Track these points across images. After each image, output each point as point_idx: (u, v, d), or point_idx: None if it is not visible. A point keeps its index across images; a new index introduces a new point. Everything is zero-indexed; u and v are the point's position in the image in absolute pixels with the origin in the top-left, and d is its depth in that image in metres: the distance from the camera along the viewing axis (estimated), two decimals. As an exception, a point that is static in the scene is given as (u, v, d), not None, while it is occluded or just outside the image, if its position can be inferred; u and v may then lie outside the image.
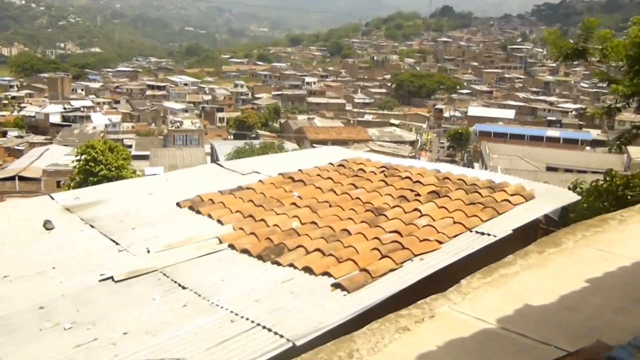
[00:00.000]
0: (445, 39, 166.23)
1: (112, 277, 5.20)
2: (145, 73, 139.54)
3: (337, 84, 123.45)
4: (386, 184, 7.47)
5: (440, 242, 5.56)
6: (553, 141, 62.42)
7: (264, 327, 4.22)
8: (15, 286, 5.18)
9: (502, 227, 5.90)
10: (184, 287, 5.00)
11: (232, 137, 78.46)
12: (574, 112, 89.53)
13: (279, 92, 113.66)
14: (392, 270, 5.07)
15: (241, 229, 6.17)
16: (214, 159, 49.77)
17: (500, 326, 3.66)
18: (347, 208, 6.65)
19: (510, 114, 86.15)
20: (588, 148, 64.73)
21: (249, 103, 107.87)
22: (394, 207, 6.58)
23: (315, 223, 6.18)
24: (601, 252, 5.13)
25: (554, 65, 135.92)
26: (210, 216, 6.70)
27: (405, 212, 6.42)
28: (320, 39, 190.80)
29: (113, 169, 21.90)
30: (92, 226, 6.60)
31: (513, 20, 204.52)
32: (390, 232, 5.86)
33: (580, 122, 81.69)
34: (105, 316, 4.55)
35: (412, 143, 68.98)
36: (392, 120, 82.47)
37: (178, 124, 78.64)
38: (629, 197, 10.31)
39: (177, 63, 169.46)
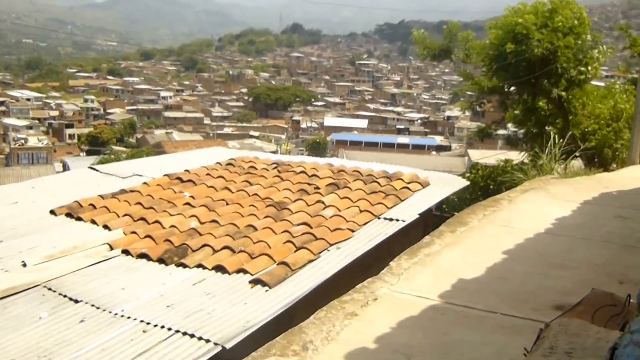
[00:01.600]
0: (297, 54, 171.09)
1: (-19, 298, 4.33)
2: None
3: (194, 98, 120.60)
4: (281, 179, 7.20)
5: (352, 231, 5.41)
6: (403, 147, 66.83)
7: (184, 334, 3.73)
8: None
9: (407, 212, 5.91)
10: (76, 301, 4.30)
11: (84, 153, 73.24)
12: (419, 121, 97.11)
13: (134, 107, 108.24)
14: (310, 261, 4.81)
15: (134, 232, 5.52)
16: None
17: (445, 301, 3.56)
18: (246, 205, 6.27)
19: (363, 123, 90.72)
20: (434, 152, 70.14)
21: (102, 118, 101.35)
22: (296, 200, 6.33)
23: (216, 221, 5.73)
24: (505, 228, 5.33)
25: (398, 79, 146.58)
26: (93, 222, 5.93)
27: (309, 205, 6.20)
28: (173, 53, 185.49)
29: None
30: (-55, 243, 5.52)
31: (358, 37, 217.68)
32: (299, 224, 5.59)
33: (426, 130, 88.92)
34: (-20, 344, 3.74)
35: (273, 153, 69.45)
36: (252, 132, 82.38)
37: (22, 141, 71.74)
38: (491, 187, 11.16)
39: (16, 77, 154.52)
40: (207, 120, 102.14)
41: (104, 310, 4.13)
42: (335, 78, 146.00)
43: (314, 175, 7.23)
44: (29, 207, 6.58)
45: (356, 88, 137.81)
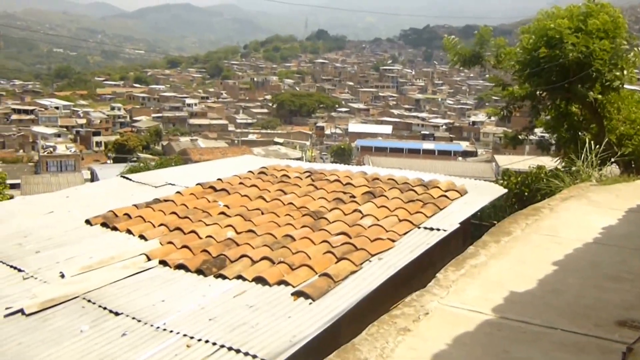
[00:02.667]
0: (321, 61, 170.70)
1: (21, 310, 4.30)
2: (9, 96, 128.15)
3: (219, 105, 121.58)
4: (316, 187, 7.10)
5: (393, 241, 5.27)
6: (428, 153, 66.18)
7: (230, 349, 3.64)
8: None
9: (448, 221, 5.75)
10: (117, 313, 4.25)
11: (111, 161, 74.24)
12: (444, 127, 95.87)
13: (159, 115, 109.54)
14: (352, 272, 4.68)
15: (170, 243, 5.47)
16: (94, 185, 46.49)
17: (499, 315, 3.40)
18: (281, 214, 6.18)
19: (387, 129, 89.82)
20: (460, 158, 69.27)
21: (128, 126, 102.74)
22: (332, 209, 6.21)
23: (253, 231, 5.64)
24: (550, 237, 5.13)
25: (423, 84, 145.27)
26: (129, 232, 5.90)
27: (346, 214, 6.08)
28: (199, 61, 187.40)
29: None
30: (-17, 253, 5.54)
31: (383, 43, 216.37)
32: (338, 234, 5.48)
33: (451, 135, 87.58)
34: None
35: (298, 160, 69.48)
36: (276, 139, 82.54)
37: (51, 149, 72.94)
38: (525, 194, 10.86)
39: (45, 86, 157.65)
40: (231, 127, 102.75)
41: (145, 324, 4.06)
42: (359, 84, 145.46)
43: (348, 183, 7.11)
44: (64, 216, 6.59)
45: (380, 94, 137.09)
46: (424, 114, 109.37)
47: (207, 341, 3.74)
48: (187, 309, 4.24)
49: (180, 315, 4.14)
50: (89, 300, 4.47)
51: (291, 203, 6.48)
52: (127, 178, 8.24)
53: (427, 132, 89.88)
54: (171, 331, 3.92)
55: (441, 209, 6.10)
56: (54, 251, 5.50)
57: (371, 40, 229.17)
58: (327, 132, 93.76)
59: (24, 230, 6.07)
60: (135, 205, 6.61)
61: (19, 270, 5.11)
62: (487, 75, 12.28)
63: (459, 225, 5.64)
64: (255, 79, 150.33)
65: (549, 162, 11.98)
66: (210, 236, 5.55)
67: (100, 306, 4.38)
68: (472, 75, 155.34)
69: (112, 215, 6.31)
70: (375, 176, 7.40)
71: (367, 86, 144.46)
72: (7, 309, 4.34)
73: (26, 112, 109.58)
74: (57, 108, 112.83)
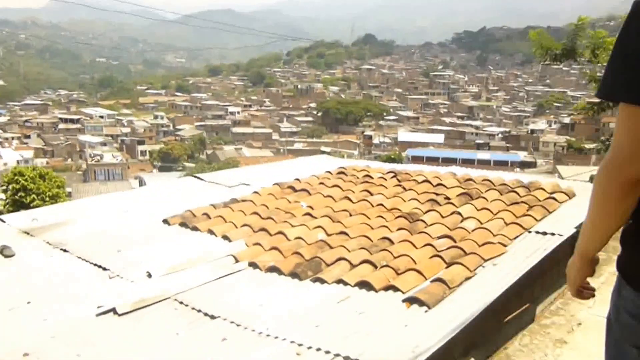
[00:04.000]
0: (368, 67, 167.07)
1: (114, 310, 4.01)
2: (55, 106, 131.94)
3: (262, 113, 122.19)
4: (404, 188, 6.66)
5: (504, 245, 4.79)
6: (484, 163, 63.79)
7: (346, 358, 3.22)
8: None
9: (561, 225, 5.21)
10: (213, 317, 3.90)
11: (156, 170, 75.39)
12: (500, 135, 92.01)
13: (202, 123, 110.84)
14: (467, 278, 4.23)
15: (257, 244, 5.12)
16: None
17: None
18: (372, 216, 5.76)
19: (439, 138, 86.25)
20: (517, 169, 67.22)
21: (171, 135, 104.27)
22: (428, 211, 5.76)
23: (345, 233, 5.24)
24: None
25: (476, 90, 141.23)
26: (211, 232, 5.59)
27: (443, 217, 5.62)
28: (241, 68, 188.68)
29: (47, 198, 19.42)
30: (64, 250, 5.31)
31: (434, 47, 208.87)
32: (440, 237, 5.03)
33: (507, 145, 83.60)
34: (117, 361, 3.39)
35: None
36: (323, 148, 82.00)
37: (98, 157, 74.61)
38: None
39: (89, 95, 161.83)
40: (275, 136, 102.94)
41: (246, 328, 3.70)
42: (408, 91, 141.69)
43: (439, 184, 6.65)
44: (139, 215, 6.35)
45: (430, 101, 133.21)
46: (477, 122, 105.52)
47: (318, 349, 3.35)
48: (288, 314, 3.87)
49: (282, 320, 3.77)
50: (181, 302, 4.15)
51: (381, 204, 6.06)
52: (199, 178, 7.98)
53: (481, 141, 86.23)
54: (276, 337, 3.55)
55: (550, 212, 5.58)
56: (135, 250, 5.24)
57: (421, 44, 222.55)
58: (375, 141, 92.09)
59: (101, 228, 5.85)
60: (212, 205, 6.32)
61: (104, 268, 4.85)
62: (583, 72, 11.41)
63: (575, 230, 5.10)
64: (299, 86, 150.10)
65: None
66: (299, 238, 5.19)
67: (193, 308, 4.05)
68: (530, 80, 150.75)
69: (190, 215, 6.03)
70: (467, 177, 6.92)
71: (417, 93, 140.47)
72: (98, 307, 4.06)
73: (72, 121, 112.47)
74: (101, 117, 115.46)
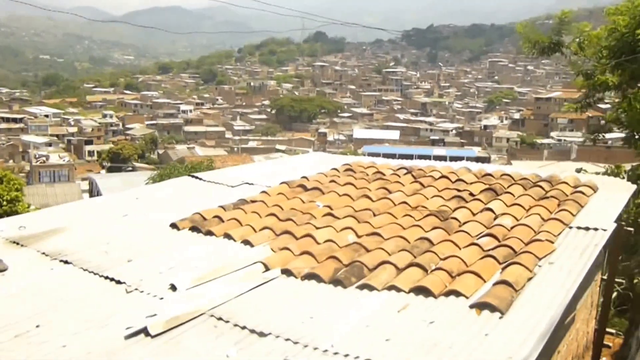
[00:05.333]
0: (321, 64, 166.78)
1: (145, 331, 3.52)
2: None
3: (215, 112, 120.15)
4: (422, 185, 6.37)
5: (551, 242, 4.53)
6: (440, 159, 64.81)
7: (441, 377, 2.88)
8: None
9: (601, 219, 5.02)
10: (262, 334, 3.47)
11: (105, 170, 72.88)
12: (453, 131, 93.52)
13: (153, 122, 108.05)
14: (529, 279, 3.94)
15: (285, 249, 4.69)
16: (95, 194, 45.46)
17: None
18: (398, 215, 5.42)
19: (395, 134, 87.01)
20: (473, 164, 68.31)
21: (121, 134, 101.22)
22: (456, 209, 5.47)
23: (378, 234, 4.88)
24: None
25: (428, 87, 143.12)
26: (229, 236, 5.12)
27: (474, 214, 5.34)
28: (192, 66, 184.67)
29: (4, 202, 18.10)
30: (65, 261, 4.74)
31: (385, 44, 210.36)
32: (482, 235, 4.73)
33: (462, 141, 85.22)
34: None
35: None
36: (278, 146, 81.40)
37: (44, 158, 71.47)
38: None
39: (33, 93, 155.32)
40: (228, 134, 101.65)
41: (306, 346, 3.29)
42: (361, 87, 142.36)
43: (458, 180, 6.39)
44: (142, 220, 5.81)
45: (384, 98, 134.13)
46: (431, 119, 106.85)
47: (403, 368, 2.98)
48: (347, 327, 3.47)
49: (344, 335, 3.38)
50: (220, 318, 3.69)
51: (404, 202, 5.72)
52: (197, 177, 7.45)
53: (436, 137, 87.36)
54: (347, 355, 3.15)
55: (582, 207, 5.37)
56: (148, 259, 4.72)
57: (372, 41, 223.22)
58: (330, 138, 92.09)
59: (102, 236, 5.27)
60: (222, 206, 5.84)
61: (117, 281, 4.32)
62: (570, 64, 11.27)
63: (616, 225, 4.91)
64: (251, 84, 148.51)
65: (573, 168, 11.04)
66: (330, 241, 4.79)
67: (236, 325, 3.60)
68: (480, 76, 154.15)
69: (199, 218, 5.53)
70: (483, 172, 6.69)
71: (370, 90, 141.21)
72: (127, 328, 3.56)
73: (15, 120, 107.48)
74: (46, 116, 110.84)
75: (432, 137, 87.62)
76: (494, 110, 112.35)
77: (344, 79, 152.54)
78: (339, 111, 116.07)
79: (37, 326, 3.70)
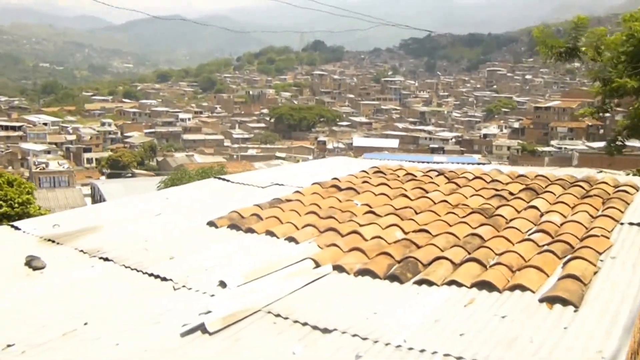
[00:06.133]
0: (319, 72, 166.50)
1: (202, 328, 3.38)
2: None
3: (213, 120, 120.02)
4: (457, 185, 6.26)
5: (607, 238, 4.42)
6: (440, 166, 64.43)
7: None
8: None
9: (650, 216, 4.91)
10: (327, 330, 3.33)
11: (105, 177, 72.77)
12: (453, 140, 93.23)
13: (152, 130, 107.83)
14: (594, 273, 3.82)
15: (334, 245, 4.57)
16: (97, 200, 45.31)
17: None
18: (441, 213, 5.30)
19: (394, 143, 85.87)
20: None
21: (120, 142, 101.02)
22: (499, 207, 5.34)
23: (426, 231, 4.75)
24: None
25: (427, 96, 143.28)
26: (271, 234, 5.00)
27: (519, 211, 5.22)
28: (190, 74, 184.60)
29: (16, 205, 17.99)
30: (105, 259, 4.60)
31: (383, 53, 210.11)
32: (533, 231, 4.62)
33: (462, 149, 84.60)
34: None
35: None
36: (277, 154, 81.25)
37: (43, 165, 71.34)
38: None
39: (32, 102, 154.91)
40: (227, 143, 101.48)
41: (376, 342, 3.15)
42: (360, 96, 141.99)
43: (494, 180, 6.29)
44: (176, 219, 5.68)
45: (382, 107, 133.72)
46: (430, 127, 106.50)
47: (487, 364, 2.85)
48: (416, 322, 3.34)
49: (415, 330, 3.24)
50: (278, 315, 3.56)
51: (444, 201, 5.61)
52: (224, 179, 7.33)
53: (435, 146, 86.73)
54: (423, 350, 3.02)
55: (628, 204, 5.26)
56: (191, 257, 4.58)
57: (370, 50, 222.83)
58: (329, 146, 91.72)
59: (139, 234, 5.14)
60: (258, 205, 5.72)
61: (163, 278, 4.18)
62: (587, 70, 11.15)
63: (670, 221, 4.80)
64: (250, 92, 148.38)
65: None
66: (378, 237, 4.66)
67: (296, 321, 3.47)
68: (478, 86, 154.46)
69: (237, 216, 5.41)
70: (516, 173, 6.60)
71: (369, 99, 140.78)
72: (183, 325, 3.42)
73: (13, 128, 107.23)
74: (45, 124, 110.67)
75: (431, 146, 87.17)
76: (493, 119, 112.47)
77: (342, 88, 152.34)
78: (337, 120, 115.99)
79: (85, 324, 3.56)
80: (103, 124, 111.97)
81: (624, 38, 9.64)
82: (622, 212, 5.02)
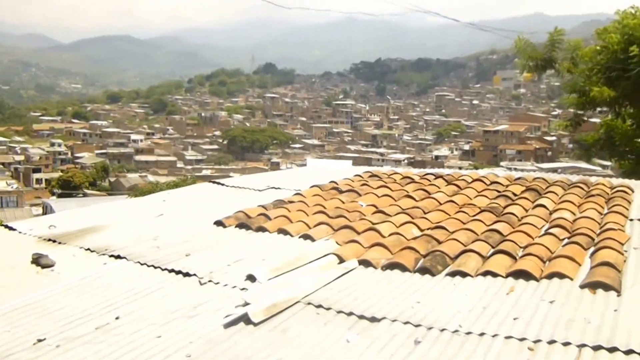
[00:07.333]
0: (271, 95, 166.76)
1: (244, 319, 3.24)
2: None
3: (166, 141, 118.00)
4: (459, 187, 6.31)
5: (623, 231, 4.52)
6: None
7: (598, 347, 2.75)
8: (75, 356, 2.95)
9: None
10: (375, 319, 3.26)
11: (56, 197, 70.29)
12: (405, 161, 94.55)
13: (104, 151, 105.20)
14: (624, 261, 3.90)
15: (353, 241, 4.50)
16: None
17: None
18: (451, 212, 5.32)
19: (347, 164, 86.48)
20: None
21: (70, 162, 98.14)
22: (507, 206, 5.41)
23: (442, 227, 4.75)
24: None
25: (378, 119, 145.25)
26: (284, 232, 4.89)
27: (527, 210, 5.30)
28: (141, 95, 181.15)
29: None
30: (117, 256, 4.39)
31: (333, 77, 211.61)
32: (550, 227, 4.69)
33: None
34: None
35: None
36: (232, 174, 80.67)
37: (-11, 185, 68.41)
38: None
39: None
40: (180, 164, 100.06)
41: (431, 328, 3.10)
42: (312, 119, 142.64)
43: (494, 182, 6.38)
44: (180, 219, 5.51)
45: (334, 129, 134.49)
46: (381, 150, 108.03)
47: (552, 341, 2.83)
48: (464, 309, 3.30)
49: (466, 316, 3.20)
50: (319, 305, 3.46)
51: (450, 201, 5.64)
52: (219, 183, 7.17)
53: (389, 167, 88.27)
54: (482, 334, 2.98)
55: (630, 203, 5.42)
56: (208, 253, 4.44)
57: (321, 74, 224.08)
58: (283, 167, 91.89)
59: (145, 233, 4.95)
60: (262, 206, 5.60)
61: (186, 274, 4.02)
62: (563, 83, 11.44)
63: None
64: (202, 115, 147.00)
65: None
66: (396, 233, 4.62)
67: (340, 312, 3.38)
68: (427, 110, 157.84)
69: (244, 216, 5.28)
70: (513, 177, 6.74)
71: (320, 121, 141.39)
72: (226, 317, 3.28)
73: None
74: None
75: (385, 167, 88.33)
76: (443, 142, 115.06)
77: (294, 111, 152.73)
78: (290, 142, 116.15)
79: (117, 318, 3.37)
80: (52, 145, 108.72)
81: (598, 49, 9.99)
82: (627, 209, 5.17)
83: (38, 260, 4.22)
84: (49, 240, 4.80)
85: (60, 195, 70.59)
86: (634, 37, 9.19)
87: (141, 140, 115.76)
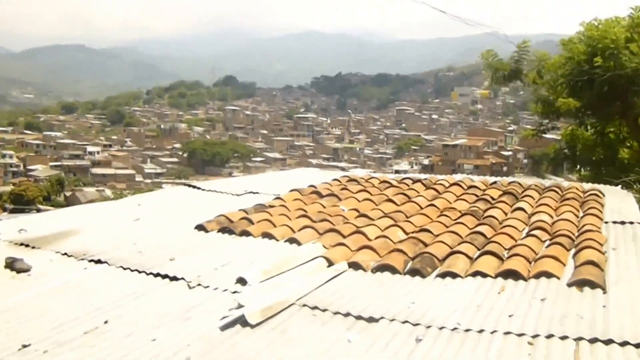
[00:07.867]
0: (232, 108, 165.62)
1: (241, 320, 3.19)
2: None
3: (124, 154, 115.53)
4: (438, 192, 6.38)
5: (600, 232, 4.66)
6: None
7: (594, 340, 2.82)
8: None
9: (628, 215, 5.27)
10: (372, 319, 3.25)
11: (7, 212, 67.74)
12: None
13: (58, 163, 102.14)
14: (606, 260, 4.02)
15: (341, 244, 4.49)
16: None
17: None
18: (433, 216, 5.38)
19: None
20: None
21: (22, 175, 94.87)
22: (488, 209, 5.50)
23: (428, 231, 4.80)
24: None
25: (339, 133, 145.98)
26: (269, 236, 4.85)
27: (506, 213, 5.41)
28: (98, 106, 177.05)
29: None
30: (97, 261, 4.25)
31: (294, 90, 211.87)
32: (532, 229, 4.79)
33: None
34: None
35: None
36: (193, 187, 79.52)
37: None
38: None
39: None
40: (139, 177, 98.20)
41: (430, 327, 3.12)
42: (273, 132, 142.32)
43: (472, 187, 6.49)
44: (158, 223, 5.40)
45: (296, 143, 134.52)
46: (343, 164, 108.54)
47: (550, 335, 2.89)
48: (459, 308, 3.33)
49: (462, 315, 3.23)
50: (315, 307, 3.43)
51: (432, 205, 5.70)
52: (195, 187, 7.06)
53: None
54: (481, 330, 3.02)
55: (603, 206, 5.60)
56: (193, 258, 4.35)
57: (282, 87, 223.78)
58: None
59: (124, 237, 4.80)
60: (243, 210, 5.53)
61: (173, 278, 3.92)
62: (533, 93, 11.73)
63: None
64: (162, 126, 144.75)
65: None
66: (383, 236, 4.64)
67: (337, 312, 3.37)
68: (388, 124, 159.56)
69: (226, 220, 5.20)
70: (488, 181, 6.91)
71: (282, 135, 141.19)
72: (221, 319, 3.21)
73: None
74: None
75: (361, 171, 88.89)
76: (404, 156, 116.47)
77: (255, 124, 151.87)
78: (252, 155, 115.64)
79: (106, 322, 3.26)
80: (3, 156, 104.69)
81: (563, 61, 10.25)
82: (601, 212, 5.33)
83: (12, 265, 4.04)
84: (22, 244, 4.62)
85: (12, 211, 68.21)
86: (598, 48, 9.45)
87: (98, 153, 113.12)
